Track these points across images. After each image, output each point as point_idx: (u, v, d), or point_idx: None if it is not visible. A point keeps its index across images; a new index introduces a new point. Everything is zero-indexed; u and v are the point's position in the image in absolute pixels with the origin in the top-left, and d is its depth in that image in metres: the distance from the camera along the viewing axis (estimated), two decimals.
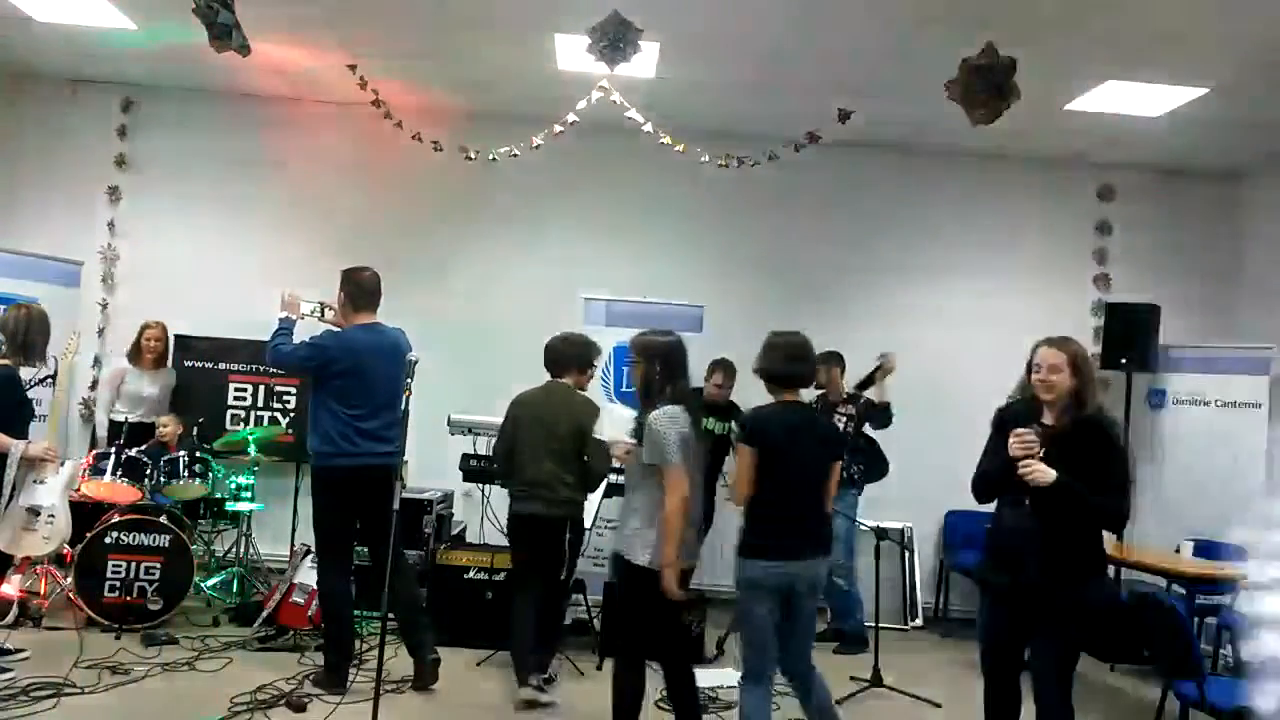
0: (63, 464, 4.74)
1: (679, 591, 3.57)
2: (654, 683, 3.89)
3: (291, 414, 6.95)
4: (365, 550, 4.89)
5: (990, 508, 3.64)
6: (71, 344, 4.90)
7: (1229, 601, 5.97)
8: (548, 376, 4.98)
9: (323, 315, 4.81)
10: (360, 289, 4.69)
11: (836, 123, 5.62)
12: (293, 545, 6.17)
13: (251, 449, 6.07)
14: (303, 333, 4.70)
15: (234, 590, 5.97)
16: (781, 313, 7.05)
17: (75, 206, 7.25)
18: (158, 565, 5.31)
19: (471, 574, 5.58)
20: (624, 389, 6.34)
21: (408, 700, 4.56)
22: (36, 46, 6.64)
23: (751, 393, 6.12)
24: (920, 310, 7.44)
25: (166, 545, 5.33)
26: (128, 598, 5.25)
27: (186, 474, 5.70)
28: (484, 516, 5.88)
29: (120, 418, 6.25)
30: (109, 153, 7.31)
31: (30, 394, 4.74)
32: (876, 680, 5.20)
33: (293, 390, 6.96)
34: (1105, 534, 3.54)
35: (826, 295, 7.31)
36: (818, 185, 7.34)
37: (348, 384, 4.52)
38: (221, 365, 7.00)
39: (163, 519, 5.39)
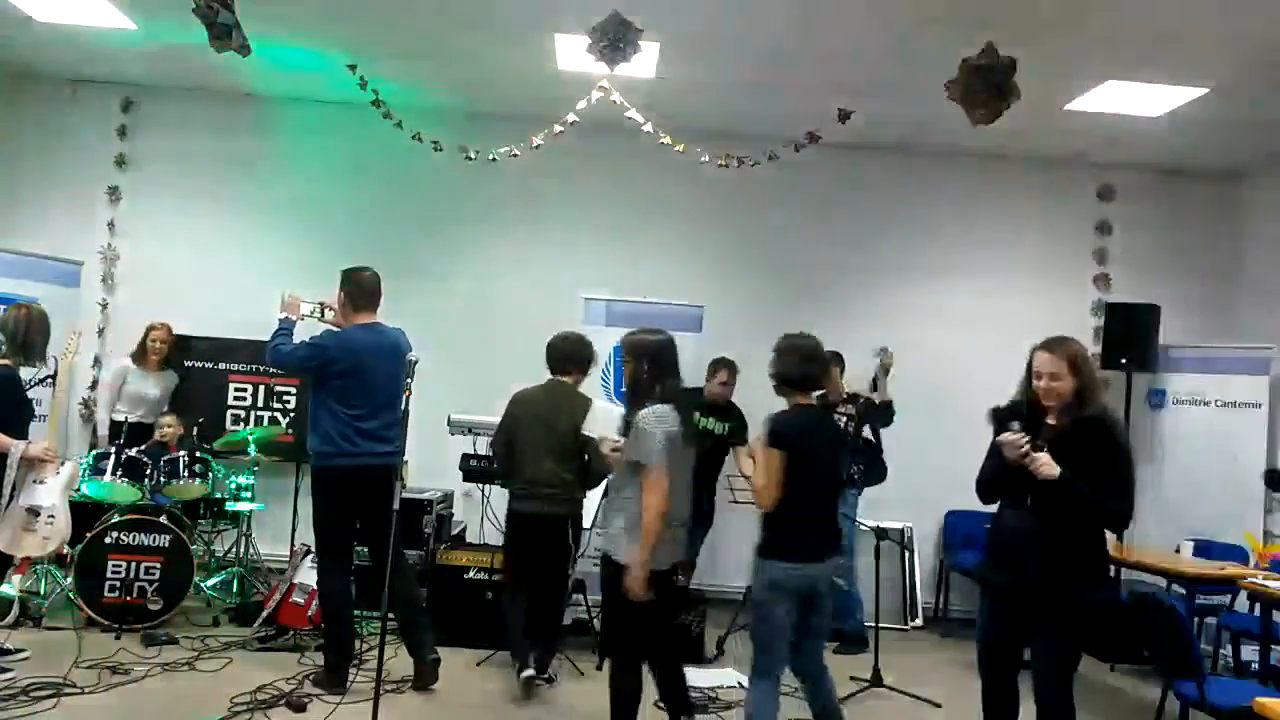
0: (63, 464, 4.74)
1: (643, 593, 3.53)
2: (654, 683, 3.89)
3: (291, 414, 6.95)
4: (365, 550, 4.89)
5: (992, 508, 3.65)
6: (71, 344, 4.89)
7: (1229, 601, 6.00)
8: (548, 375, 4.99)
9: (323, 315, 4.81)
10: (360, 289, 4.69)
11: (836, 123, 5.62)
12: (293, 545, 6.17)
13: (251, 449, 6.07)
14: (303, 333, 4.70)
15: (234, 590, 5.97)
16: (781, 313, 7.08)
17: (75, 206, 7.25)
18: (158, 565, 5.31)
19: (471, 574, 5.58)
20: (623, 388, 6.33)
21: (408, 700, 4.56)
22: (36, 46, 6.64)
23: (750, 393, 6.18)
24: (920, 310, 7.44)
25: (166, 545, 5.33)
26: (128, 598, 5.25)
27: (186, 474, 5.70)
28: (484, 516, 5.89)
29: (121, 417, 6.25)
30: (109, 153, 7.31)
31: (30, 394, 4.75)
32: (876, 680, 5.21)
33: (293, 390, 6.97)
34: (1106, 535, 3.54)
35: (826, 295, 7.31)
36: (818, 185, 7.34)
37: (348, 384, 4.52)
38: (221, 365, 7.00)
39: (163, 519, 5.39)
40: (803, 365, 3.72)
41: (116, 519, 5.36)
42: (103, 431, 6.28)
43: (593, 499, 5.12)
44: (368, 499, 4.46)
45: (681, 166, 6.02)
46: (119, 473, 5.44)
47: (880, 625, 5.50)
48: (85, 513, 5.36)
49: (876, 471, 6.17)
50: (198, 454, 5.87)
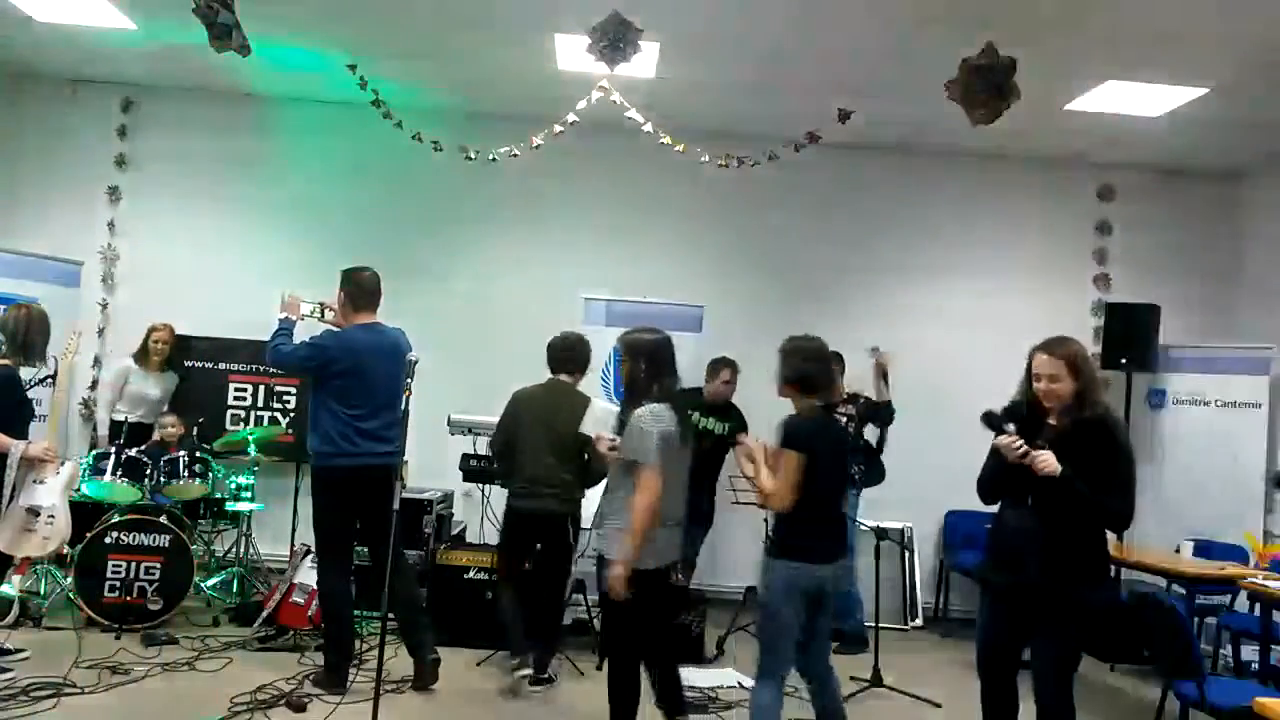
0: (63, 464, 4.74)
1: (624, 591, 3.53)
2: (650, 682, 3.89)
3: (291, 414, 6.95)
4: (365, 550, 4.89)
5: (992, 508, 3.65)
6: (71, 344, 4.89)
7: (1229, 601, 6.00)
8: (547, 375, 4.99)
9: (323, 315, 4.81)
10: (360, 289, 4.69)
11: (836, 123, 5.61)
12: (293, 545, 6.17)
13: (251, 449, 6.07)
14: (303, 333, 4.70)
15: (234, 590, 5.97)
16: (781, 313, 7.09)
17: (75, 206, 7.26)
18: (158, 565, 5.31)
19: (471, 574, 5.57)
20: (622, 388, 6.34)
21: (408, 700, 4.56)
22: (36, 46, 6.64)
23: (750, 393, 6.18)
24: (920, 310, 7.44)
25: (166, 545, 5.33)
26: (128, 598, 5.25)
27: (186, 474, 5.69)
28: (484, 516, 5.89)
29: (121, 417, 6.25)
30: (109, 153, 7.32)
31: (30, 394, 4.75)
32: (876, 680, 5.21)
33: (293, 390, 6.97)
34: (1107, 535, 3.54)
35: (826, 295, 7.31)
36: (818, 185, 7.35)
37: (348, 384, 4.52)
38: (221, 365, 7.01)
39: (163, 519, 5.39)
40: (813, 367, 3.73)
41: (116, 519, 5.36)
42: (103, 431, 6.28)
43: (592, 499, 5.12)
44: (368, 499, 4.46)
45: (681, 166, 6.01)
46: (119, 473, 5.44)
47: (880, 625, 5.50)
48: (85, 513, 5.36)
49: (876, 472, 6.17)
50: (198, 454, 5.87)
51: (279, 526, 6.53)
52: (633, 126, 5.60)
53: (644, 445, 3.53)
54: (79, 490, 5.32)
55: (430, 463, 6.48)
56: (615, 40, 4.92)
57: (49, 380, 5.13)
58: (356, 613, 4.84)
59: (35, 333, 4.55)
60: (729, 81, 6.31)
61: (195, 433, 6.20)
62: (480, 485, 6.06)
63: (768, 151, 5.81)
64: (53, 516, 4.57)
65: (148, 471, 5.55)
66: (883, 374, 6.18)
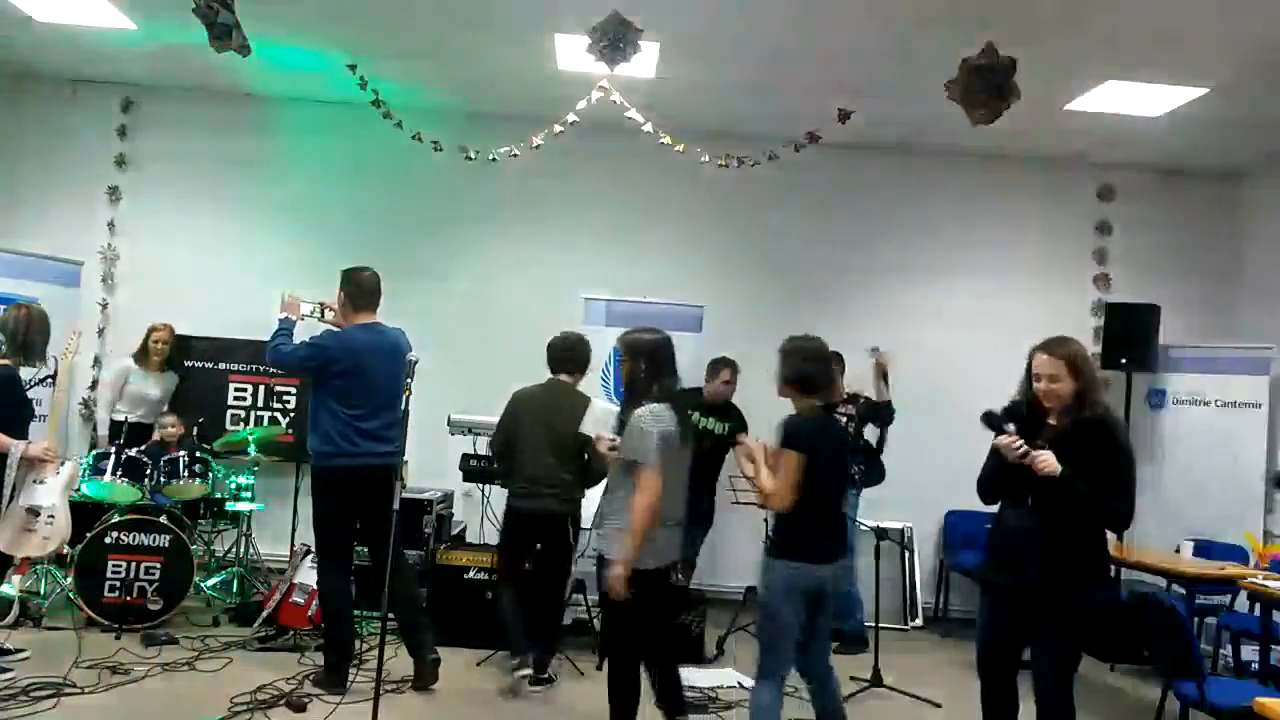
0: (63, 464, 4.74)
1: (623, 591, 3.53)
2: (649, 682, 3.89)
3: (291, 414, 6.95)
4: (365, 550, 4.89)
5: (992, 508, 3.65)
6: (72, 344, 4.89)
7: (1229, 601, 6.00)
8: (547, 375, 4.99)
9: (323, 315, 4.81)
10: (360, 289, 4.69)
11: (836, 123, 5.61)
12: (293, 545, 6.17)
13: (251, 449, 6.07)
14: (303, 333, 4.70)
15: (234, 590, 5.97)
16: (781, 313, 7.09)
17: (75, 206, 7.26)
18: (158, 565, 5.31)
19: (471, 574, 5.57)
20: (622, 388, 6.34)
21: (408, 700, 4.56)
22: (36, 46, 6.64)
23: (750, 393, 6.17)
24: (920, 310, 7.44)
25: (166, 545, 5.33)
26: (128, 598, 5.25)
27: (186, 474, 5.69)
28: (484, 516, 5.89)
29: (121, 417, 6.25)
30: (109, 153, 7.32)
31: (30, 394, 4.75)
32: (876, 680, 5.21)
33: (293, 390, 6.97)
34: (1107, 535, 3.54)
35: (826, 295, 7.31)
36: (818, 185, 7.34)
37: (348, 384, 4.52)
38: (221, 365, 7.01)
39: (163, 519, 5.39)
40: (813, 367, 3.73)
41: (116, 519, 5.36)
42: (103, 431, 6.28)
43: (592, 499, 5.12)
44: (368, 499, 4.46)
45: (681, 166, 6.01)
46: (119, 473, 5.44)
47: (880, 625, 5.50)
48: (85, 513, 5.35)
49: (876, 472, 6.17)
50: (198, 454, 5.87)
51: (279, 526, 6.53)
52: (633, 126, 5.60)
53: (644, 445, 3.53)
54: (79, 490, 5.32)
55: (430, 463, 6.48)
56: (615, 40, 4.92)
57: (49, 380, 5.13)
58: (356, 613, 4.84)
59: (35, 333, 4.55)
60: (729, 81, 6.31)
61: (195, 433, 6.20)
62: (480, 485, 6.06)
63: (768, 151, 5.81)
64: (53, 516, 4.57)
65: (148, 471, 5.55)
66: (883, 374, 6.18)
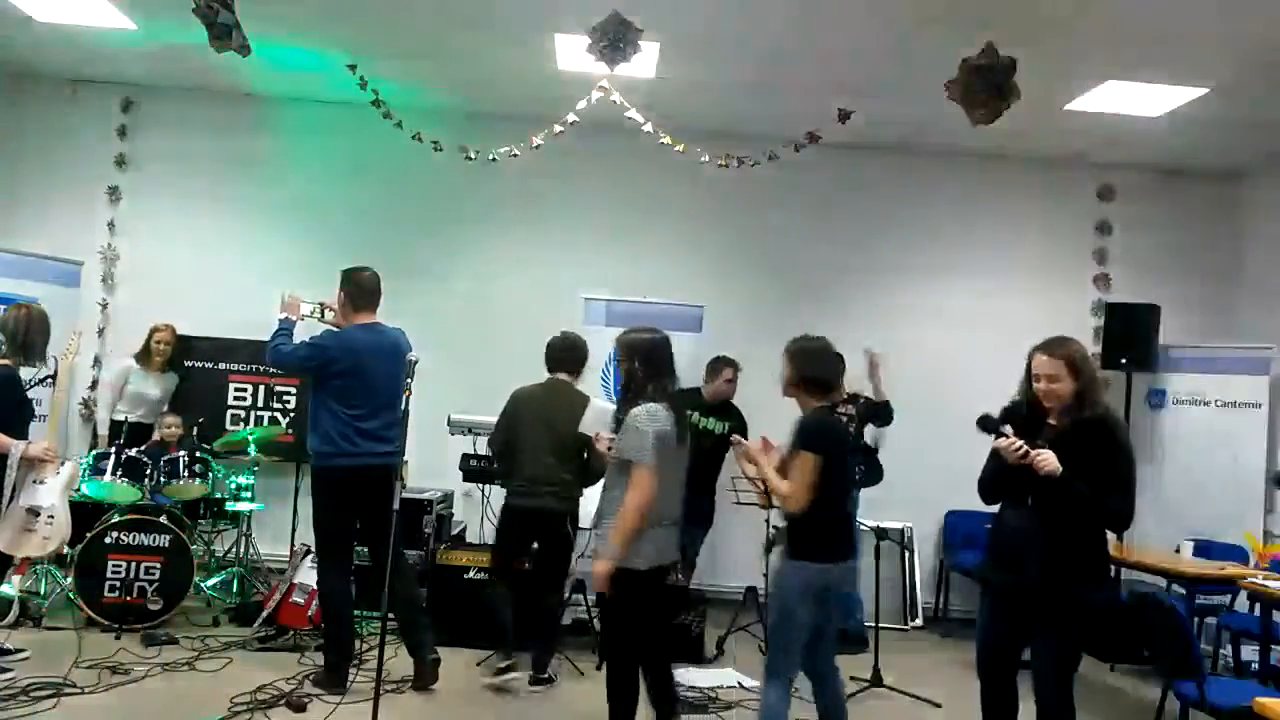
0: (63, 464, 4.74)
1: (607, 585, 3.55)
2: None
3: (291, 414, 6.95)
4: (365, 550, 4.89)
5: (993, 508, 3.65)
6: (72, 344, 4.89)
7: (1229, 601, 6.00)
8: (546, 374, 5.00)
9: (323, 316, 4.81)
10: (360, 289, 4.69)
11: (836, 123, 5.61)
12: (293, 545, 6.17)
13: (251, 449, 6.07)
14: (303, 333, 4.70)
15: (234, 590, 5.97)
16: (781, 313, 7.09)
17: (75, 206, 7.26)
18: (158, 565, 5.31)
19: (471, 574, 5.57)
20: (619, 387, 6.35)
21: (408, 700, 4.56)
22: (36, 46, 6.64)
23: (750, 393, 6.17)
24: (920, 310, 7.44)
25: (166, 545, 5.33)
26: (128, 598, 5.25)
27: (186, 474, 5.70)
28: (484, 516, 5.90)
29: (121, 417, 6.26)
30: (109, 153, 7.32)
31: (30, 394, 4.74)
32: (876, 680, 5.21)
33: (293, 390, 6.97)
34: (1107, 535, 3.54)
35: (826, 295, 7.31)
36: (818, 185, 7.35)
37: (348, 384, 4.52)
38: (221, 365, 7.01)
39: (163, 519, 5.39)
40: (822, 369, 3.73)
41: (116, 519, 5.36)
42: (103, 431, 6.28)
43: (590, 498, 5.13)
44: (368, 499, 4.46)
45: (681, 166, 6.01)
46: (119, 473, 5.44)
47: (880, 625, 5.50)
48: (85, 513, 5.36)
49: (876, 472, 6.17)
50: (198, 454, 5.87)
51: (279, 526, 6.53)
52: (633, 126, 5.60)
53: (639, 445, 3.53)
54: (79, 490, 5.32)
55: (430, 463, 6.48)
56: (615, 40, 4.92)
57: (49, 380, 5.13)
58: (356, 613, 4.84)
59: (35, 333, 4.55)
60: (729, 81, 6.31)
61: (195, 433, 6.20)
62: (480, 485, 6.06)
63: (768, 151, 5.81)
64: (52, 516, 4.57)
65: (148, 471, 5.55)
66: (877, 372, 6.16)
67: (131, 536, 5.32)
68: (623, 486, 3.59)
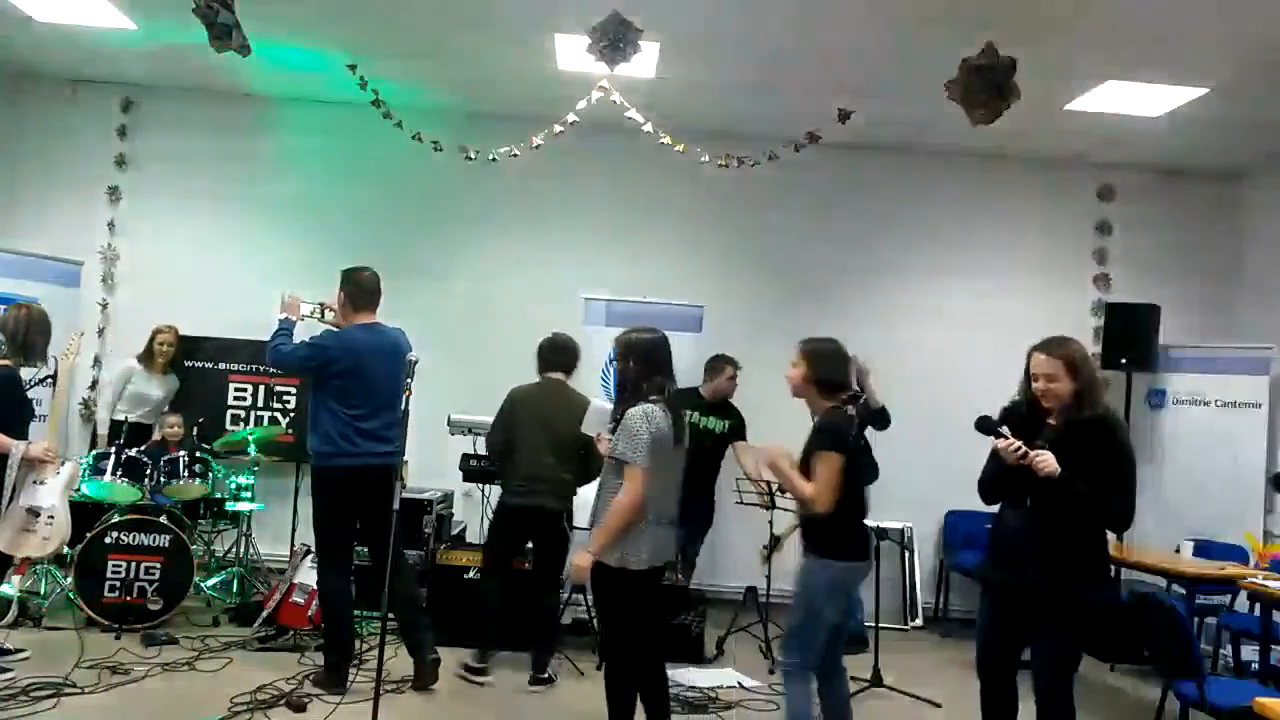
0: (63, 464, 4.74)
1: (586, 578, 3.59)
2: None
3: (291, 414, 6.95)
4: (365, 550, 4.89)
5: (993, 508, 3.65)
6: (73, 344, 4.89)
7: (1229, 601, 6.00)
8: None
9: (323, 316, 4.81)
10: (360, 289, 4.69)
11: (836, 123, 5.61)
12: (293, 545, 6.17)
13: (251, 449, 6.07)
14: (303, 333, 4.70)
15: (234, 590, 5.97)
16: (781, 313, 7.10)
17: (75, 206, 7.26)
18: (158, 565, 5.31)
19: (471, 574, 5.57)
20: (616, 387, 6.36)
21: (408, 700, 4.56)
22: (36, 46, 6.64)
23: (750, 392, 6.18)
24: (920, 310, 7.44)
25: (166, 545, 5.33)
26: (128, 598, 5.25)
27: (186, 474, 5.69)
28: (484, 516, 5.89)
29: (121, 417, 6.26)
30: (109, 153, 7.32)
31: (30, 394, 4.74)
32: (876, 680, 5.21)
33: (293, 390, 6.97)
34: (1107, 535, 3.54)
35: (826, 295, 7.31)
36: (818, 185, 7.35)
37: (348, 384, 4.52)
38: (222, 365, 7.01)
39: (163, 519, 5.39)
40: (839, 369, 3.75)
41: (116, 519, 5.36)
42: (103, 431, 6.28)
43: (587, 498, 5.14)
44: (368, 499, 4.46)
45: (681, 166, 6.01)
46: (119, 473, 5.44)
47: (880, 625, 5.49)
48: (85, 513, 5.36)
49: (872, 470, 6.16)
50: (198, 454, 5.87)
51: (279, 526, 6.53)
52: (633, 126, 5.60)
53: (634, 445, 3.52)
54: (79, 490, 5.32)
55: (430, 463, 6.48)
56: (615, 40, 4.92)
57: (49, 380, 5.13)
58: (356, 613, 4.84)
59: (35, 333, 4.55)
60: (729, 81, 6.31)
61: (195, 433, 6.20)
62: (480, 485, 6.06)
63: (768, 151, 5.81)
64: (52, 517, 4.57)
65: (148, 471, 5.55)
66: (865, 379, 6.15)
67: (131, 536, 5.32)
68: (617, 487, 3.60)
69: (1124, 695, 5.55)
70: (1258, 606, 5.14)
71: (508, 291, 7.27)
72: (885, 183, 7.56)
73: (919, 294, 7.49)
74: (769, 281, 7.42)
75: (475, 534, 6.28)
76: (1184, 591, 5.50)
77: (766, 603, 5.84)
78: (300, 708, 4.29)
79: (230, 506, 6.05)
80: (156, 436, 6.23)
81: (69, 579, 5.37)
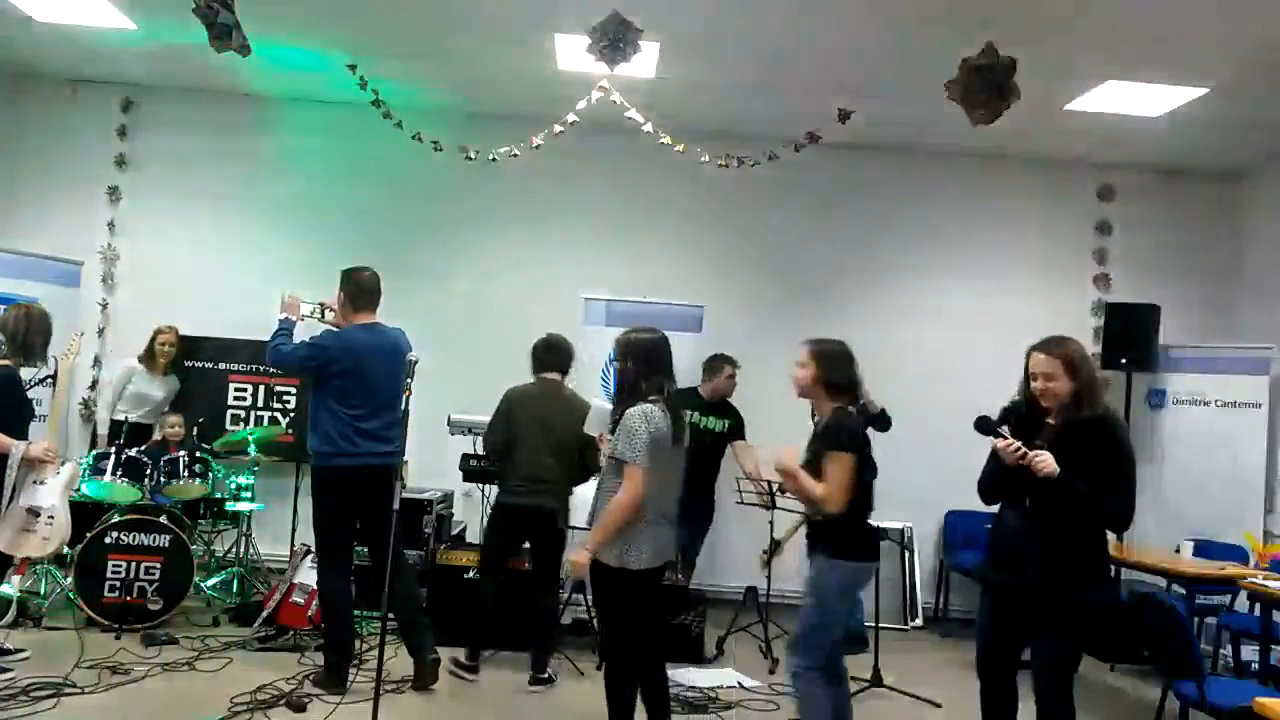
0: (63, 464, 4.74)
1: (583, 574, 3.62)
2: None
3: (291, 414, 6.95)
4: (365, 550, 4.89)
5: (993, 508, 3.66)
6: (73, 344, 4.89)
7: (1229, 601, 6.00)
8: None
9: (323, 316, 4.81)
10: (360, 289, 4.69)
11: (836, 123, 5.61)
12: (293, 545, 6.17)
13: (251, 449, 6.07)
14: (303, 333, 4.70)
15: (234, 590, 5.97)
16: (781, 313, 7.10)
17: (75, 206, 7.26)
18: (158, 565, 5.31)
19: (471, 574, 5.56)
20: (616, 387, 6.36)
21: (408, 700, 4.56)
22: (36, 46, 6.64)
23: (749, 392, 6.18)
24: (920, 310, 7.44)
25: (166, 545, 5.33)
26: (128, 598, 5.25)
27: (186, 474, 5.70)
28: (484, 516, 5.88)
29: (121, 417, 6.26)
30: (109, 153, 7.32)
31: (30, 394, 4.74)
32: (876, 680, 5.21)
33: (293, 390, 6.97)
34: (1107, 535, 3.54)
35: (826, 295, 7.31)
36: (818, 185, 7.34)
37: (348, 384, 4.52)
38: (222, 365, 7.01)
39: (163, 519, 5.39)
40: (848, 372, 3.75)
41: (116, 519, 5.36)
42: (102, 431, 6.28)
43: (585, 498, 5.14)
44: (368, 499, 4.46)
45: (681, 166, 6.01)
46: (119, 473, 5.44)
47: (880, 625, 5.49)
48: (85, 513, 5.36)
49: (871, 470, 6.16)
50: (198, 454, 5.87)
51: (279, 526, 6.53)
52: (633, 126, 5.60)
53: (632, 444, 3.53)
54: (79, 490, 5.32)
55: (430, 463, 6.48)
56: (615, 40, 4.92)
57: (49, 380, 5.13)
58: (356, 613, 4.84)
59: (35, 333, 4.55)
60: (729, 81, 6.31)
61: (195, 433, 6.20)
62: (480, 485, 6.06)
63: (768, 151, 5.81)
64: (52, 517, 4.57)
65: (148, 471, 5.55)
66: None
67: (131, 536, 5.32)
68: (616, 486, 3.60)
69: (1124, 695, 5.55)
70: (1258, 606, 5.14)
71: (508, 291, 7.27)
72: (885, 183, 7.55)
73: (919, 294, 7.49)
74: (769, 281, 7.42)
75: (475, 534, 6.27)
76: (1184, 591, 5.50)
77: (766, 603, 5.84)
78: (300, 708, 4.29)
79: (230, 506, 6.05)
80: (157, 436, 6.23)
81: (69, 579, 5.37)
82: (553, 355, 5.04)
